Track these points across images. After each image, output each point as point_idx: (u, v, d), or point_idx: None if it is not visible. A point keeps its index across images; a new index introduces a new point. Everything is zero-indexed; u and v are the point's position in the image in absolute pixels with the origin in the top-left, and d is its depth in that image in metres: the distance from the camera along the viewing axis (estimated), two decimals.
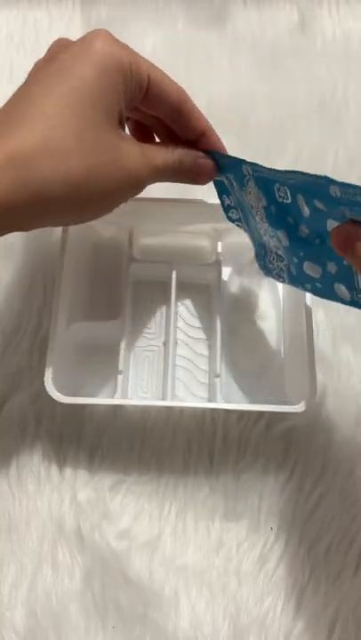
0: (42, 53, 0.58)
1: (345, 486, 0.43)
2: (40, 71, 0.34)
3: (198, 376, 0.47)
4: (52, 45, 0.36)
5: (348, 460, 0.44)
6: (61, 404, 0.41)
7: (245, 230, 0.43)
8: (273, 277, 0.43)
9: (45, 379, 0.41)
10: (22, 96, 0.33)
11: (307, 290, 0.40)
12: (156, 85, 0.35)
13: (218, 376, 0.44)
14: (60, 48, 0.35)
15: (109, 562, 0.41)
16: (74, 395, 0.44)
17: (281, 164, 0.54)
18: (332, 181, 0.31)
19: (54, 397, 0.41)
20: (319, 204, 0.33)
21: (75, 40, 0.35)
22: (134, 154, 0.34)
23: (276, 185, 0.35)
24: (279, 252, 0.40)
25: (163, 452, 0.44)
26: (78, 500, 0.43)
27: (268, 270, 0.43)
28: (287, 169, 0.34)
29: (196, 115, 0.37)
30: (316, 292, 0.39)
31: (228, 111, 0.55)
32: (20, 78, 0.56)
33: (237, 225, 0.44)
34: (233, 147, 0.53)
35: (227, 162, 0.38)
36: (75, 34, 0.58)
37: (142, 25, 0.59)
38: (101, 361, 0.46)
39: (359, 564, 0.42)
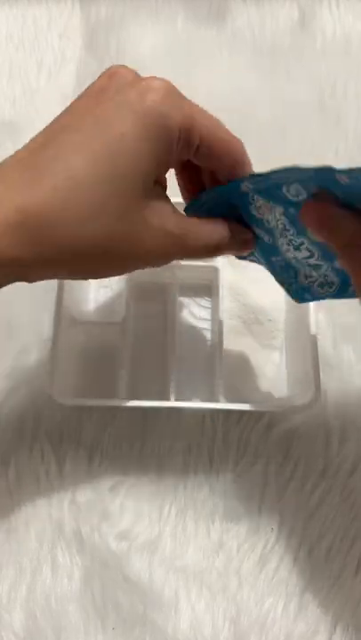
0: (42, 53, 0.58)
1: (345, 487, 0.43)
2: (84, 109, 0.31)
3: (200, 377, 0.46)
4: (113, 71, 0.32)
5: (349, 460, 0.44)
6: (61, 404, 0.41)
7: (262, 264, 0.40)
8: (316, 297, 0.38)
9: (48, 381, 0.41)
10: (54, 137, 0.30)
11: (351, 294, 0.35)
12: (207, 147, 0.32)
13: (220, 377, 0.44)
14: (117, 82, 0.31)
15: (109, 562, 0.41)
16: (76, 396, 0.44)
17: (281, 162, 0.54)
18: (336, 171, 0.28)
19: (58, 399, 0.41)
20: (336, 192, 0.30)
21: (134, 77, 0.31)
22: (162, 230, 0.32)
23: (284, 187, 0.32)
24: (311, 262, 0.36)
25: (162, 453, 0.44)
26: (78, 500, 0.43)
27: (304, 290, 0.38)
28: (283, 167, 0.31)
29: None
30: None
31: (228, 109, 0.54)
32: (19, 77, 0.57)
33: (251, 261, 0.40)
34: None
35: (228, 190, 0.35)
36: (74, 32, 0.59)
37: (141, 23, 0.59)
38: (103, 362, 0.46)
39: (359, 564, 0.42)
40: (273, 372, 0.46)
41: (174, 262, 0.47)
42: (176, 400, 0.44)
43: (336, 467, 0.44)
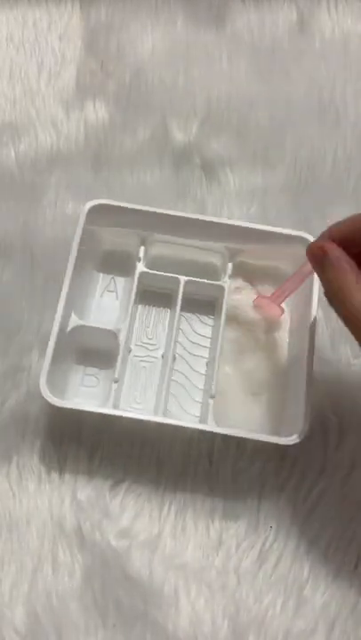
0: (42, 54, 0.59)
1: (343, 485, 0.44)
2: None
3: (193, 394, 0.46)
4: None
5: (347, 458, 0.44)
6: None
7: None
8: None
9: (40, 380, 0.41)
10: None
11: None
12: None
13: (212, 397, 0.43)
14: None
15: (109, 561, 0.41)
16: (71, 397, 0.44)
17: (280, 163, 0.55)
18: None
19: (47, 399, 0.41)
20: None
21: None
22: None
23: None
24: None
25: (162, 452, 0.44)
26: (78, 499, 0.43)
27: None
28: None
29: None
30: None
31: (228, 110, 0.55)
32: (20, 78, 0.57)
33: None
34: (233, 146, 0.54)
35: None
36: (74, 34, 0.59)
37: (141, 25, 0.59)
38: (99, 366, 0.46)
39: (358, 561, 0.42)
40: (270, 395, 0.46)
41: (183, 275, 0.46)
42: (168, 416, 0.43)
43: (334, 465, 0.44)
